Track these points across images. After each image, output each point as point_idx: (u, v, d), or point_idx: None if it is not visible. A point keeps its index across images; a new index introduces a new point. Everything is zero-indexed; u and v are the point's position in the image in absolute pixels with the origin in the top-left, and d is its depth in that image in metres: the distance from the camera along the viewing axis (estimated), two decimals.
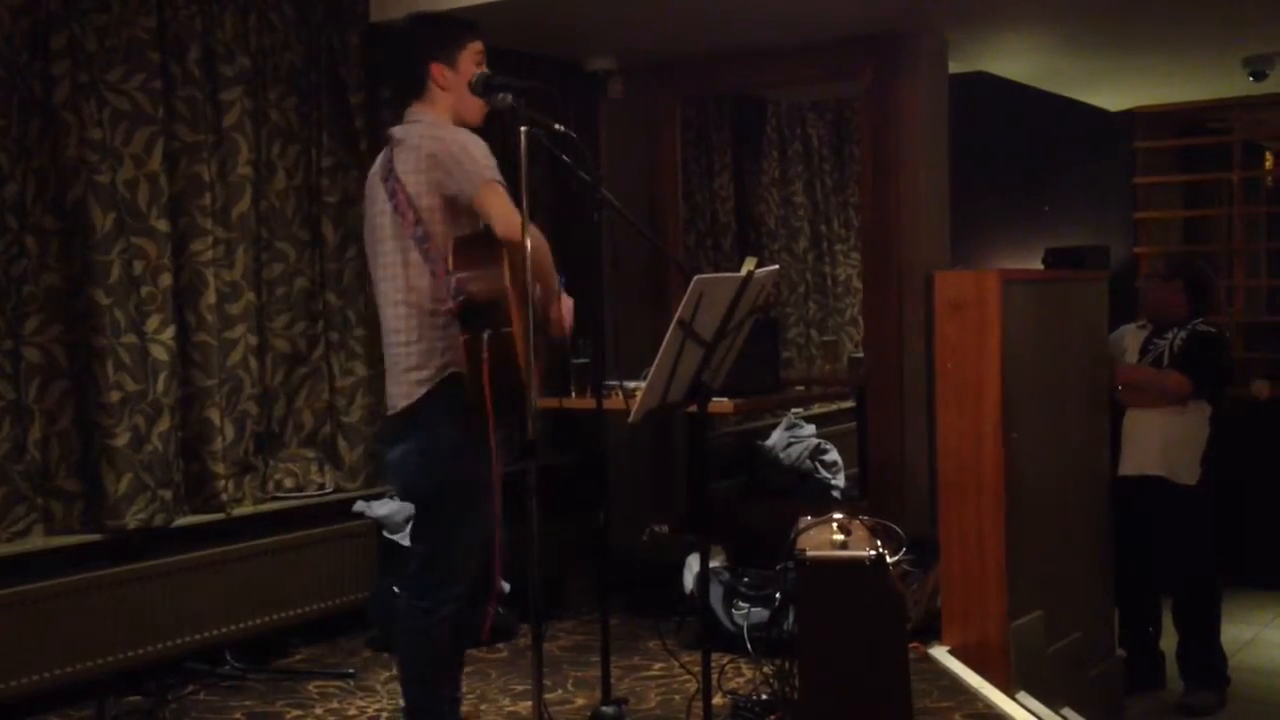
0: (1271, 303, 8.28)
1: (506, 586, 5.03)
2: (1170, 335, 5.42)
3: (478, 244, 3.18)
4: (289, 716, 4.15)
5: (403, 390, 3.31)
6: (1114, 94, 7.46)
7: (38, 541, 4.16)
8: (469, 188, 3.18)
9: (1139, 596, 5.59)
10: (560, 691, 4.36)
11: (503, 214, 3.14)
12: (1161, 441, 5.36)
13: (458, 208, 3.23)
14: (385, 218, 3.32)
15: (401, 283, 3.29)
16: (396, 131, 3.37)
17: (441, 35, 3.43)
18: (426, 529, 3.43)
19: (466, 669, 4.61)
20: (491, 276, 3.12)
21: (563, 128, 3.33)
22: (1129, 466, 5.43)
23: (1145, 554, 5.48)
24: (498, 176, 3.20)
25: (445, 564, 3.34)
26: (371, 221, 3.39)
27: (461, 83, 3.37)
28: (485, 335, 3.10)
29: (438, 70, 3.37)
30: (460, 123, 3.39)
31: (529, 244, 3.07)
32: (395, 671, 4.55)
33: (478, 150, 3.23)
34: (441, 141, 3.25)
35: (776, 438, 6.74)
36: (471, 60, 3.40)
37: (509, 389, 3.14)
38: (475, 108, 3.42)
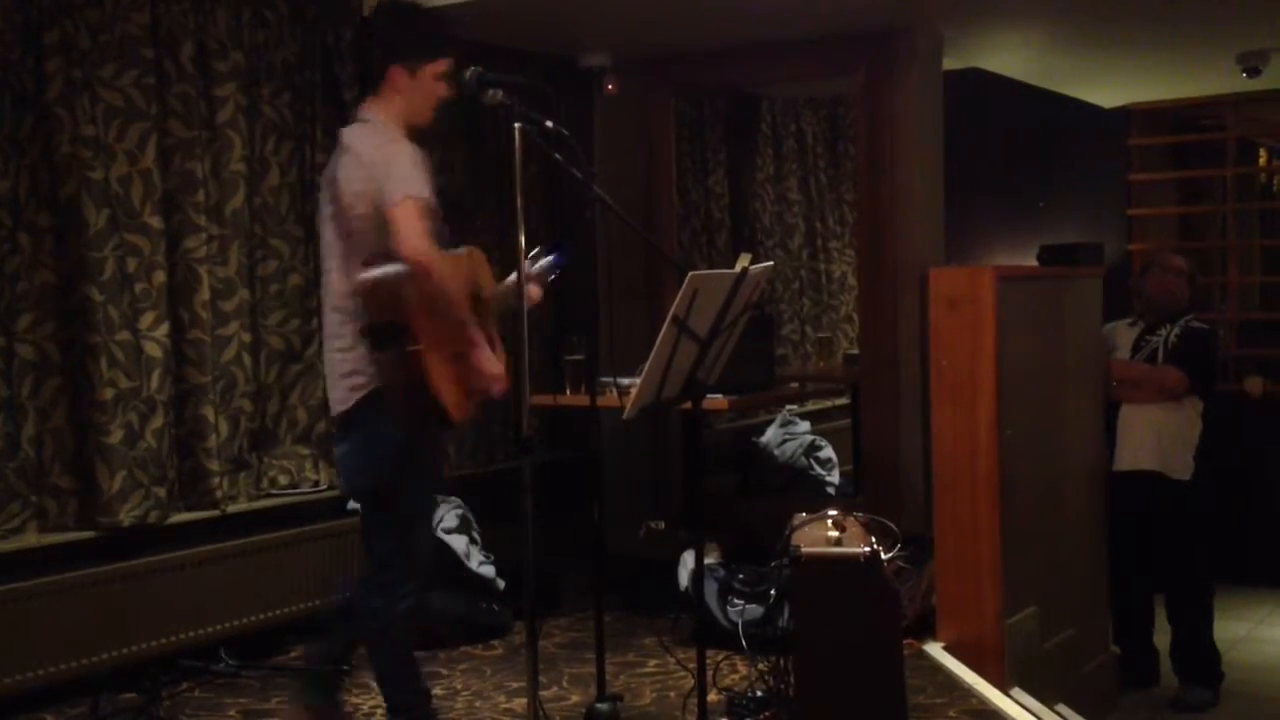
0: (1265, 299, 8.29)
1: (502, 583, 5.05)
2: (1164, 331, 5.43)
3: (382, 260, 3.19)
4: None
5: (339, 395, 3.38)
6: (1109, 90, 7.46)
7: (31, 539, 4.15)
8: (387, 201, 3.19)
9: (1133, 593, 5.60)
10: (555, 688, 4.36)
11: (407, 232, 3.13)
12: (1156, 437, 5.37)
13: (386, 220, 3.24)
14: (328, 223, 3.37)
15: (337, 288, 3.35)
16: (345, 134, 3.42)
17: (412, 42, 3.44)
18: (373, 529, 3.49)
19: (461, 665, 4.63)
20: (392, 298, 3.15)
21: (556, 125, 3.33)
22: (1124, 462, 5.44)
23: (1140, 550, 5.49)
24: (416, 192, 3.18)
25: (397, 562, 3.40)
26: (320, 225, 3.46)
27: (417, 90, 3.40)
28: (391, 354, 3.15)
29: (397, 73, 3.40)
30: (409, 126, 3.43)
31: (433, 272, 3.09)
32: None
33: (407, 163, 3.24)
34: (380, 150, 3.28)
35: (771, 434, 6.74)
36: (433, 75, 3.42)
37: (421, 405, 3.18)
38: (425, 114, 3.46)
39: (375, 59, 3.45)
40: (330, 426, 4.97)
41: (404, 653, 3.49)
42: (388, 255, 3.19)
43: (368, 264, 3.20)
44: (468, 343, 3.31)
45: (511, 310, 3.49)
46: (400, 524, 3.40)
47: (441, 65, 3.43)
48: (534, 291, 3.52)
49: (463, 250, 3.52)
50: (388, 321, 3.16)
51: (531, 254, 3.54)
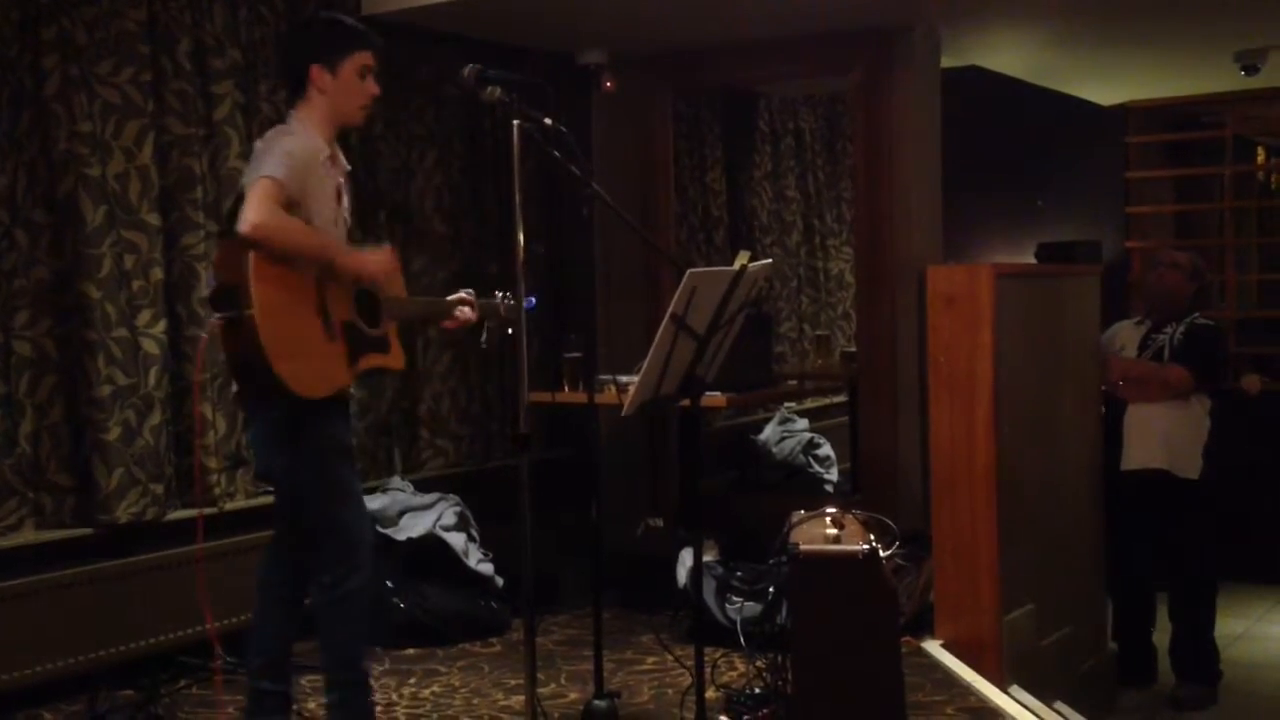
0: (1263, 297, 8.30)
1: (500, 581, 5.05)
2: (1170, 330, 5.42)
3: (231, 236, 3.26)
4: None
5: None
6: (1106, 88, 7.46)
7: (29, 536, 4.15)
8: (249, 181, 3.24)
9: (1135, 590, 5.59)
10: (553, 686, 4.36)
11: (248, 207, 3.16)
12: (1164, 436, 5.36)
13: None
14: None
15: None
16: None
17: (326, 39, 3.48)
18: (289, 510, 3.51)
19: (460, 662, 4.63)
20: (232, 263, 3.20)
21: (553, 122, 3.33)
22: (1132, 461, 5.42)
23: (1144, 548, 5.48)
24: (273, 173, 3.21)
25: (326, 542, 3.40)
26: None
27: (339, 89, 3.43)
28: (218, 318, 3.21)
29: (316, 72, 3.43)
30: (338, 125, 3.49)
31: (266, 229, 3.12)
32: (386, 665, 4.57)
33: (278, 149, 3.27)
34: (266, 140, 3.34)
35: (769, 432, 6.75)
36: (355, 70, 3.44)
37: (254, 372, 3.21)
38: (354, 111, 3.49)
39: (293, 67, 3.49)
40: None
41: (353, 630, 3.46)
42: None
43: (220, 239, 3.35)
44: (331, 260, 3.34)
45: (435, 319, 3.59)
46: (308, 506, 3.41)
47: (362, 58, 3.45)
48: (466, 312, 3.70)
49: (371, 247, 3.65)
50: (226, 284, 3.21)
51: (505, 295, 3.76)
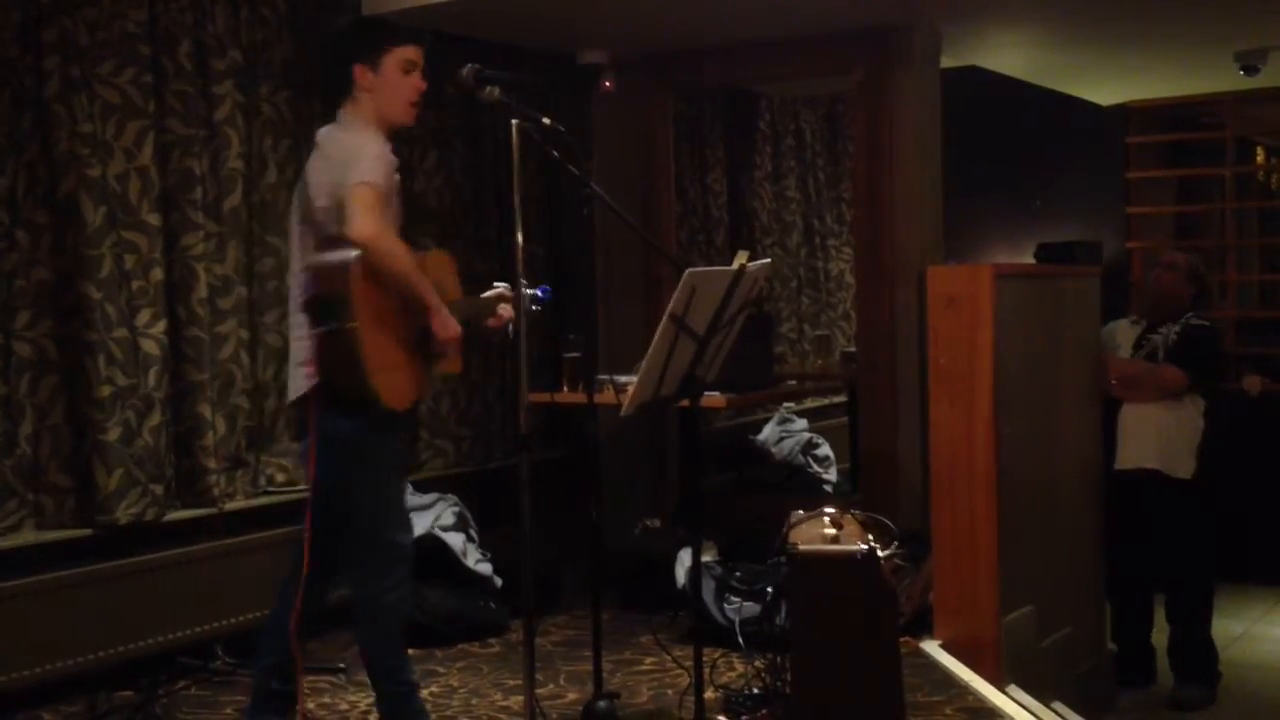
0: (1263, 298, 8.29)
1: (499, 581, 5.05)
2: (1165, 330, 5.42)
3: (334, 243, 3.23)
4: None
5: (296, 384, 3.41)
6: (1106, 89, 7.46)
7: (29, 536, 4.15)
8: (343, 187, 3.22)
9: (1133, 591, 5.60)
10: (552, 686, 4.36)
11: (356, 214, 3.16)
12: (1157, 435, 5.36)
13: None
14: (295, 217, 3.42)
15: (298, 280, 3.38)
16: (318, 134, 3.46)
17: (367, 38, 3.48)
18: (335, 525, 3.47)
19: (459, 663, 4.63)
20: (335, 273, 3.17)
21: (552, 122, 3.34)
22: (1125, 461, 5.43)
23: (1141, 548, 5.48)
24: (370, 179, 3.20)
25: (366, 558, 3.39)
26: (290, 228, 3.50)
27: (384, 85, 3.42)
28: (323, 330, 3.17)
29: (360, 72, 3.42)
30: (386, 124, 3.46)
31: (381, 246, 3.11)
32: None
33: (366, 154, 3.26)
34: (338, 143, 3.33)
35: (769, 432, 6.75)
36: (398, 66, 3.43)
37: (350, 384, 3.20)
38: (401, 110, 3.46)
39: (339, 71, 3.47)
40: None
41: (392, 644, 3.46)
42: (336, 240, 3.23)
43: (320, 247, 3.26)
44: (426, 306, 3.31)
45: (479, 319, 3.56)
46: (360, 519, 3.38)
47: (405, 52, 3.44)
48: (505, 310, 3.60)
49: (430, 252, 3.60)
50: (328, 295, 3.19)
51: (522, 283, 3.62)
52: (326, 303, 3.19)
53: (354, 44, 3.47)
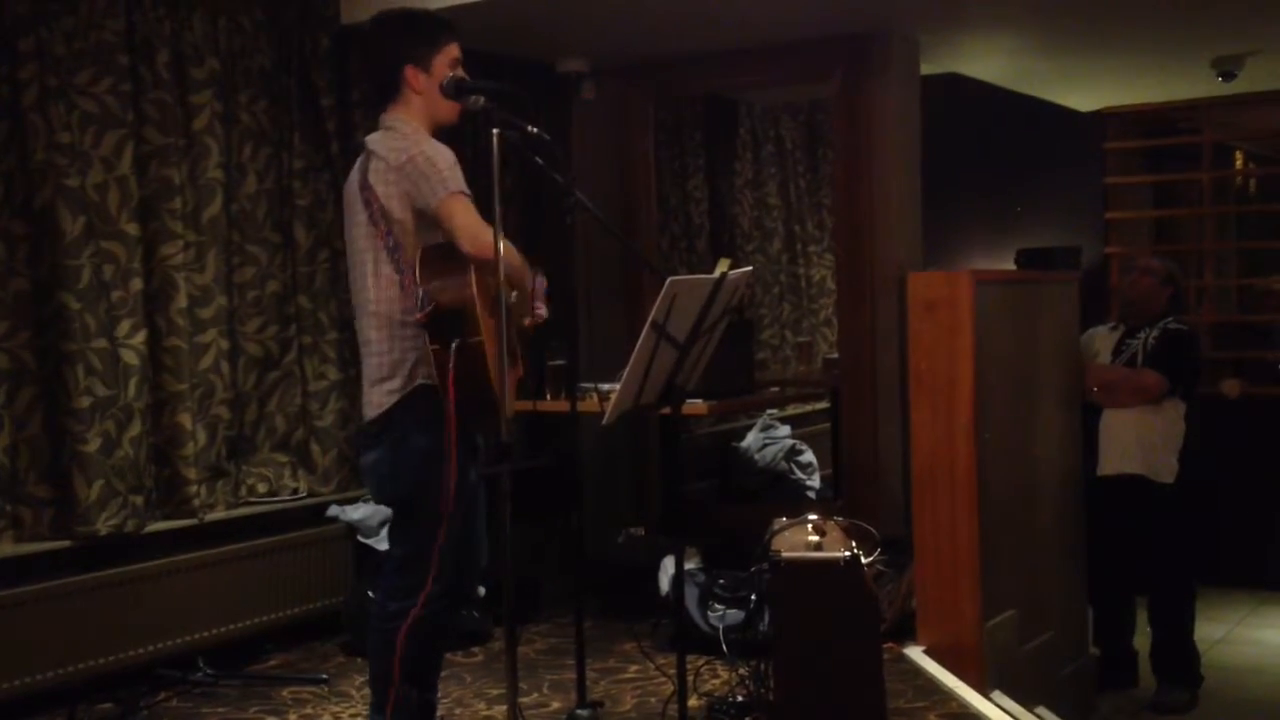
0: (1241, 302, 8.34)
1: (482, 590, 5.03)
2: (1143, 335, 5.44)
3: (444, 254, 3.20)
4: None
5: (375, 400, 3.34)
6: (1085, 95, 7.50)
7: (7, 548, 4.12)
8: (433, 200, 3.20)
9: (1115, 595, 5.62)
10: (535, 695, 4.35)
11: (466, 227, 3.14)
12: (1139, 441, 5.38)
13: (428, 219, 3.24)
14: (360, 229, 3.34)
15: (373, 294, 3.31)
16: (371, 141, 3.37)
17: (415, 37, 3.40)
18: (400, 533, 3.44)
19: (442, 672, 4.59)
20: (458, 286, 3.15)
21: (535, 130, 3.32)
22: (1107, 466, 5.45)
23: (1123, 553, 5.50)
24: (462, 188, 3.20)
25: (419, 567, 3.32)
26: (349, 233, 3.41)
27: (434, 85, 3.35)
28: (453, 345, 3.13)
29: (411, 73, 3.36)
30: (434, 125, 3.41)
31: (496, 249, 3.07)
32: (367, 675, 4.55)
33: (443, 161, 3.23)
34: (408, 153, 3.26)
35: (751, 439, 6.75)
36: (446, 64, 3.38)
37: (477, 399, 3.16)
38: (449, 109, 3.41)
39: (387, 69, 3.39)
40: (307, 432, 4.98)
41: (412, 655, 3.34)
42: (441, 250, 3.20)
43: (424, 261, 3.19)
44: (530, 292, 3.41)
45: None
46: (422, 531, 3.29)
47: (451, 51, 3.40)
48: (542, 309, 3.56)
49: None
50: (444, 309, 3.14)
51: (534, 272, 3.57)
52: (451, 318, 3.14)
53: (402, 42, 3.38)
